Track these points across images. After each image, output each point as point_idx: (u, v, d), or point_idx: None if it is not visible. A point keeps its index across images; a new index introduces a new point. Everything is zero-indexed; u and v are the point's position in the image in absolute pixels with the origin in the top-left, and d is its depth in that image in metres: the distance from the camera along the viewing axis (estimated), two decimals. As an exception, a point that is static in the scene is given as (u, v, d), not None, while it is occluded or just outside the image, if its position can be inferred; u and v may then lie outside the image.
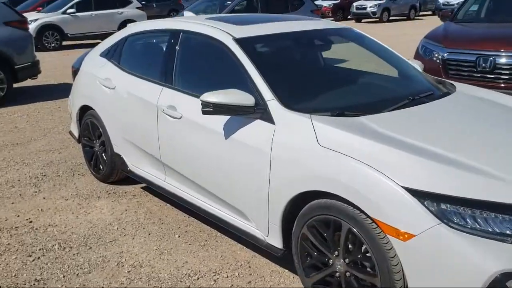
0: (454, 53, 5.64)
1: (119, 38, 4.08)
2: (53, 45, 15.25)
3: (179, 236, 3.37)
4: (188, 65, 3.35)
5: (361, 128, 2.40)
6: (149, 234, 3.42)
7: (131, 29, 4.04)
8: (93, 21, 15.89)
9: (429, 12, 30.25)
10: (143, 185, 4.14)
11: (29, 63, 7.78)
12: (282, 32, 3.27)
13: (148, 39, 3.89)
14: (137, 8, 17.29)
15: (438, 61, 5.75)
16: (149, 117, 3.44)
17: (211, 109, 2.69)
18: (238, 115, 2.71)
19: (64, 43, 15.70)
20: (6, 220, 3.69)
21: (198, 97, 2.87)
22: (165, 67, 3.44)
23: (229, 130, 2.81)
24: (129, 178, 4.14)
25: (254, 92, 2.76)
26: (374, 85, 3.38)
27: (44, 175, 4.59)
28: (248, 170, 2.69)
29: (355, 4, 25.26)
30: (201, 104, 2.72)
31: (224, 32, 3.14)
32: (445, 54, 5.69)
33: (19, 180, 4.48)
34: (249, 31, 3.17)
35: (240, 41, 3.04)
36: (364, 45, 3.62)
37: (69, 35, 15.59)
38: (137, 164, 3.80)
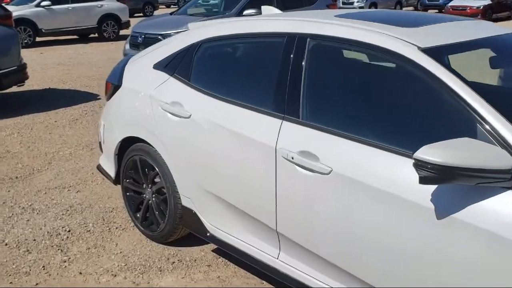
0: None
1: (185, 45, 2.87)
2: (25, 41, 13.56)
3: None
4: (333, 89, 2.21)
5: None
6: None
7: (203, 32, 2.84)
8: (70, 15, 14.29)
9: (411, 8, 29.86)
10: (214, 246, 2.97)
11: (15, 67, 6.40)
12: (479, 39, 2.16)
13: (237, 47, 2.69)
14: (118, 0, 15.74)
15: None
16: (259, 165, 2.29)
17: (435, 173, 1.57)
18: (478, 183, 1.60)
19: (38, 39, 14.06)
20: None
21: (361, 141, 1.88)
22: (283, 90, 2.28)
23: (446, 208, 1.70)
24: (191, 235, 2.97)
25: (491, 139, 1.66)
26: None
27: (69, 231, 3.33)
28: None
29: (343, -1, 24.54)
30: (416, 165, 1.60)
31: (399, 39, 2.01)
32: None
33: (34, 240, 3.22)
34: (434, 38, 2.06)
35: (432, 53, 1.92)
36: None
37: (43, 30, 13.95)
38: (224, 227, 2.63)
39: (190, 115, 2.64)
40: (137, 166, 3.11)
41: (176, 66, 2.88)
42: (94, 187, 4.07)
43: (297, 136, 2.15)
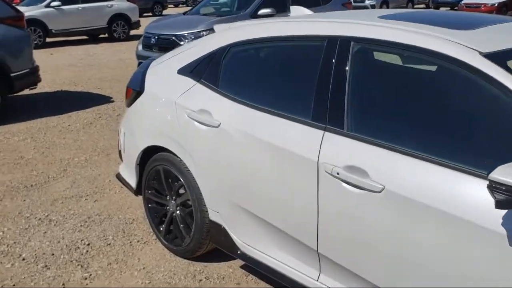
0: None
1: (212, 50, 2.70)
2: (35, 42, 13.44)
3: None
4: (382, 98, 2.02)
5: None
6: None
7: (231, 34, 2.66)
8: (80, 15, 14.16)
9: (422, 6, 29.56)
10: (242, 262, 2.79)
11: (28, 70, 6.25)
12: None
13: (270, 51, 2.50)
14: (128, 0, 15.59)
15: None
16: (299, 180, 2.11)
17: (514, 199, 1.38)
18: None
19: (47, 40, 13.96)
20: None
21: (418, 157, 1.72)
22: (323, 98, 2.10)
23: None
24: (216, 249, 2.80)
25: None
26: None
27: (88, 244, 3.17)
28: None
29: (353, -4, 24.22)
30: (491, 187, 1.41)
31: (459, 43, 1.82)
32: None
33: (52, 255, 3.06)
34: (494, 42, 1.86)
35: (495, 59, 1.73)
36: None
37: (53, 31, 13.84)
38: (256, 245, 2.45)
39: (219, 124, 2.46)
40: (161, 176, 2.94)
41: (203, 71, 2.70)
42: (112, 196, 3.91)
43: (342, 149, 1.97)
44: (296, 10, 3.04)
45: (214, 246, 2.80)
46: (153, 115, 2.91)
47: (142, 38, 8.26)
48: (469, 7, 21.75)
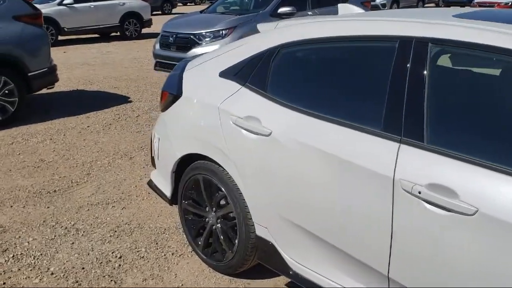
0: None
1: (259, 51, 2.49)
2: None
3: None
4: (471, 107, 1.80)
5: None
6: None
7: (281, 34, 2.45)
8: (93, 13, 14.01)
9: (432, 5, 29.21)
10: (287, 279, 2.58)
11: (46, 69, 6.07)
12: None
13: (328, 53, 2.28)
14: (140, -2, 15.41)
15: None
16: (368, 198, 1.90)
17: None
18: None
19: (60, 38, 13.82)
20: None
21: None
22: (397, 106, 1.88)
23: None
24: (259, 265, 2.59)
25: None
26: None
27: (120, 257, 2.98)
28: None
29: (364, -5, 23.96)
30: None
31: None
32: None
33: (83, 269, 2.87)
34: None
35: None
36: None
37: (65, 29, 13.69)
38: (312, 266, 2.24)
39: (271, 133, 2.25)
40: (200, 186, 2.74)
41: (249, 74, 2.50)
42: (141, 203, 3.71)
43: (423, 165, 1.75)
44: (345, 9, 2.81)
45: (258, 261, 2.60)
46: (193, 121, 2.70)
47: (159, 37, 8.06)
48: (482, 5, 21.41)
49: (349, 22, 2.21)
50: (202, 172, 2.69)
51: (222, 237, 2.69)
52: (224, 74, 2.62)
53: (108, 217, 3.49)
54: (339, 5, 2.93)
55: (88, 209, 3.62)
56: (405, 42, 1.93)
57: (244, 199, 2.48)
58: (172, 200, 3.01)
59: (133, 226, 3.35)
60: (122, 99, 7.09)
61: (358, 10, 2.82)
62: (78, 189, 3.98)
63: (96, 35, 14.93)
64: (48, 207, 3.66)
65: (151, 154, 3.19)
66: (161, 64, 7.85)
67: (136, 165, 4.49)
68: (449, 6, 26.01)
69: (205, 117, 2.61)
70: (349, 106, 2.08)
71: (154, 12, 24.48)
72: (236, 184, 2.50)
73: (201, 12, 8.88)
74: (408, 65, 1.89)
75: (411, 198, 1.75)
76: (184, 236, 3.17)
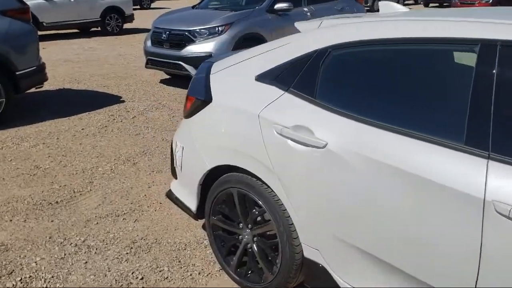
0: None
1: (305, 52, 2.25)
2: (26, 36, 12.73)
3: None
4: None
5: None
6: None
7: (329, 34, 2.22)
8: (73, 7, 13.47)
9: (411, 2, 29.21)
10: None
11: (34, 68, 5.71)
12: None
13: (390, 56, 2.05)
14: (122, -7, 14.92)
15: None
16: (448, 219, 1.69)
17: None
18: None
19: (38, 33, 13.22)
20: None
21: None
22: (482, 117, 1.68)
23: None
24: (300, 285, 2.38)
25: None
26: None
27: (141, 278, 2.71)
28: None
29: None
30: None
31: None
32: None
33: (102, 292, 2.59)
34: None
35: None
36: None
37: (44, 24, 13.13)
38: (372, 291, 2.02)
39: (326, 145, 2.03)
40: (233, 201, 2.50)
41: (293, 78, 2.26)
42: (153, 215, 3.44)
43: (516, 184, 1.56)
44: (387, 7, 2.60)
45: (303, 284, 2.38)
46: (226, 130, 2.45)
47: (150, 33, 7.73)
48: (464, 3, 21.59)
49: (416, 23, 1.99)
50: (236, 186, 2.45)
51: (259, 256, 2.46)
52: (262, 77, 2.38)
53: (120, 232, 3.21)
54: (379, 3, 2.71)
55: (97, 223, 3.33)
56: (488, 46, 1.72)
57: (288, 217, 2.25)
58: (198, 215, 2.76)
59: (150, 241, 3.09)
60: (114, 99, 6.75)
61: (401, 8, 2.61)
62: (82, 200, 3.68)
63: (76, 30, 14.40)
64: (52, 221, 3.35)
65: (172, 163, 2.92)
66: (153, 61, 7.53)
67: (141, 172, 4.21)
68: (428, 5, 26.09)
69: (241, 126, 2.37)
70: (420, 116, 1.87)
71: (133, 7, 23.90)
72: (279, 200, 2.27)
73: (193, 7, 8.57)
74: (494, 71, 1.69)
75: (507, 222, 1.55)
76: (208, 252, 2.93)
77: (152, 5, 27.44)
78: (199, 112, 2.62)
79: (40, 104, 6.42)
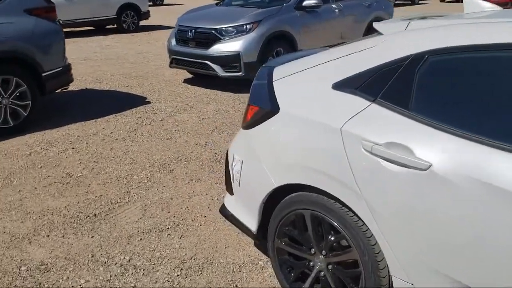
0: None
1: (394, 58, 1.99)
2: (42, 33, 12.55)
3: None
4: None
5: None
6: None
7: (424, 37, 1.94)
8: (89, 5, 13.27)
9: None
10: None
11: (60, 69, 5.47)
12: None
13: (498, 63, 1.77)
14: (137, -11, 14.68)
15: None
16: None
17: None
18: None
19: (54, 31, 13.04)
20: None
21: None
22: None
23: None
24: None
25: None
26: None
27: (198, 305, 2.46)
28: None
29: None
30: None
31: None
32: None
33: (157, 322, 2.35)
34: None
35: None
36: None
37: (60, 21, 12.73)
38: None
39: (429, 166, 1.76)
40: (304, 224, 2.24)
41: (380, 87, 1.99)
42: (199, 230, 3.19)
43: None
44: (472, 5, 2.31)
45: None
46: (298, 145, 2.19)
47: (175, 31, 7.48)
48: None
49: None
50: (310, 207, 2.19)
51: (334, 286, 2.20)
52: (340, 86, 2.11)
53: (167, 249, 2.96)
54: (464, 1, 2.43)
55: (141, 239, 3.09)
56: None
57: (374, 245, 1.99)
58: (258, 235, 2.50)
59: (200, 261, 2.84)
60: (139, 100, 6.52)
61: (489, 6, 2.32)
62: (121, 212, 3.44)
63: (91, 28, 14.19)
64: (92, 236, 3.12)
65: (227, 178, 2.67)
66: (178, 61, 7.29)
67: (179, 180, 3.96)
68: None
69: (318, 141, 2.10)
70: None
71: (147, 3, 23.71)
72: (363, 226, 2.01)
73: (216, 4, 8.30)
74: None
75: None
76: (266, 275, 2.68)
77: (165, 1, 27.25)
78: (263, 123, 2.36)
79: (64, 106, 6.20)
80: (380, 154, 1.89)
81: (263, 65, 2.66)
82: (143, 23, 14.98)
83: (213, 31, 6.85)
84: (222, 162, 4.32)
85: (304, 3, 7.34)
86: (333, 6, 7.92)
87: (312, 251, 2.27)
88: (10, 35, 4.91)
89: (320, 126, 2.10)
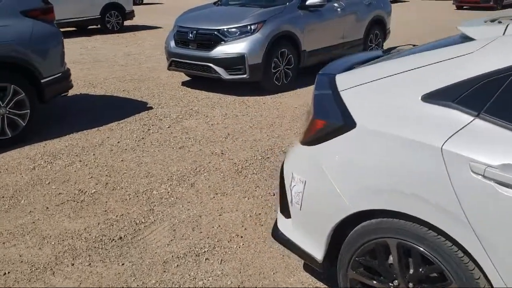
0: None
1: (498, 67, 1.75)
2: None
3: None
4: None
5: None
6: None
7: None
8: (72, 5, 12.75)
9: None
10: None
11: (59, 75, 5.10)
12: None
13: None
14: (120, -11, 14.22)
15: None
16: None
17: None
18: None
19: (36, 32, 12.49)
20: None
21: None
22: None
23: None
24: None
25: None
26: None
27: None
28: None
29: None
30: None
31: None
32: None
33: None
34: None
35: None
36: None
37: (42, 22, 12.37)
38: None
39: (556, 192, 1.52)
40: (388, 254, 1.98)
41: (484, 99, 1.76)
42: (239, 253, 2.92)
43: None
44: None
45: None
46: (384, 165, 1.94)
47: (174, 33, 7.15)
48: None
49: None
50: (397, 236, 1.94)
51: (423, 321, 1.96)
52: (433, 98, 1.87)
53: (209, 277, 2.68)
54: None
55: (177, 265, 2.79)
56: None
57: (478, 279, 1.75)
58: (325, 266, 2.24)
59: (249, 290, 2.57)
60: (140, 105, 6.18)
61: None
62: (149, 234, 3.13)
63: (72, 29, 13.66)
64: (122, 264, 2.81)
65: (282, 198, 2.40)
66: (178, 63, 6.96)
67: (203, 195, 3.67)
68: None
69: (412, 162, 1.85)
70: None
71: (127, 3, 23.15)
72: (463, 257, 1.77)
73: (214, 4, 7.99)
74: None
75: None
76: (329, 305, 2.42)
77: (145, 1, 26.74)
78: (334, 140, 2.10)
79: (61, 113, 5.82)
80: (495, 177, 1.64)
81: (320, 72, 2.40)
82: (126, 23, 14.53)
83: (215, 32, 6.55)
84: (244, 173, 4.05)
85: (308, 2, 7.10)
86: (335, 5, 7.71)
87: (395, 282, 2.02)
88: (6, 39, 4.52)
89: (412, 145, 1.85)
